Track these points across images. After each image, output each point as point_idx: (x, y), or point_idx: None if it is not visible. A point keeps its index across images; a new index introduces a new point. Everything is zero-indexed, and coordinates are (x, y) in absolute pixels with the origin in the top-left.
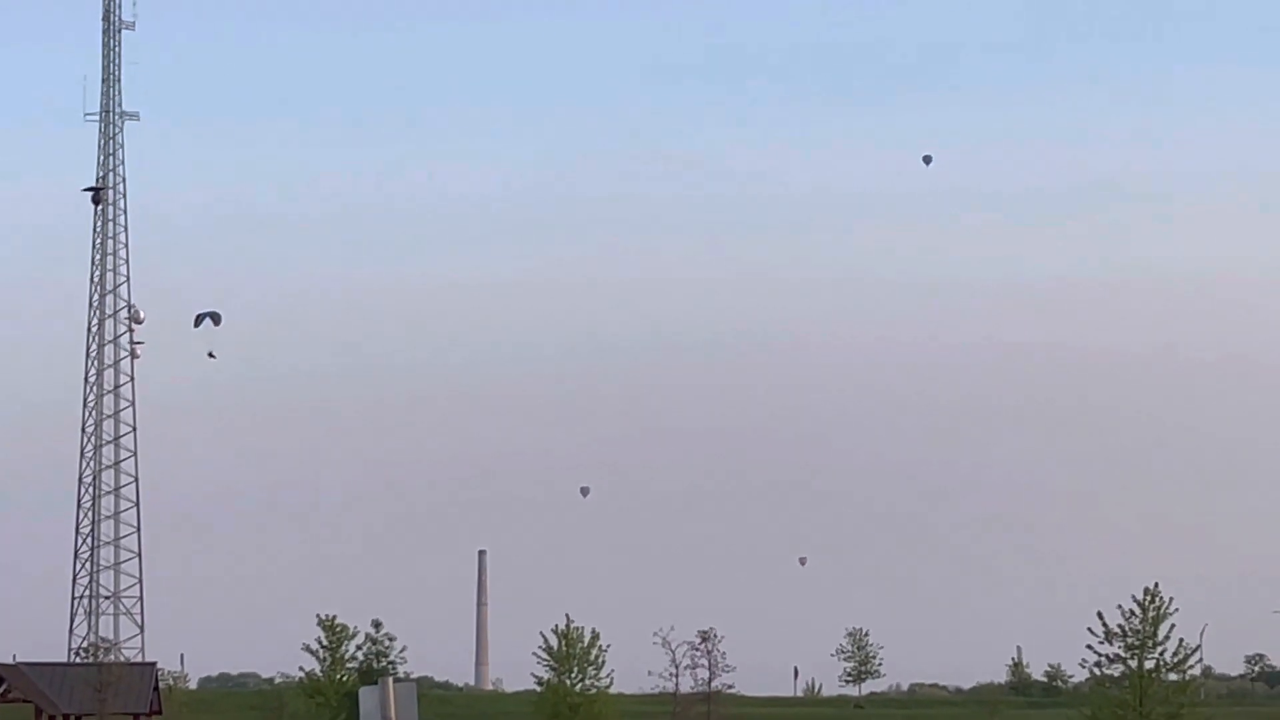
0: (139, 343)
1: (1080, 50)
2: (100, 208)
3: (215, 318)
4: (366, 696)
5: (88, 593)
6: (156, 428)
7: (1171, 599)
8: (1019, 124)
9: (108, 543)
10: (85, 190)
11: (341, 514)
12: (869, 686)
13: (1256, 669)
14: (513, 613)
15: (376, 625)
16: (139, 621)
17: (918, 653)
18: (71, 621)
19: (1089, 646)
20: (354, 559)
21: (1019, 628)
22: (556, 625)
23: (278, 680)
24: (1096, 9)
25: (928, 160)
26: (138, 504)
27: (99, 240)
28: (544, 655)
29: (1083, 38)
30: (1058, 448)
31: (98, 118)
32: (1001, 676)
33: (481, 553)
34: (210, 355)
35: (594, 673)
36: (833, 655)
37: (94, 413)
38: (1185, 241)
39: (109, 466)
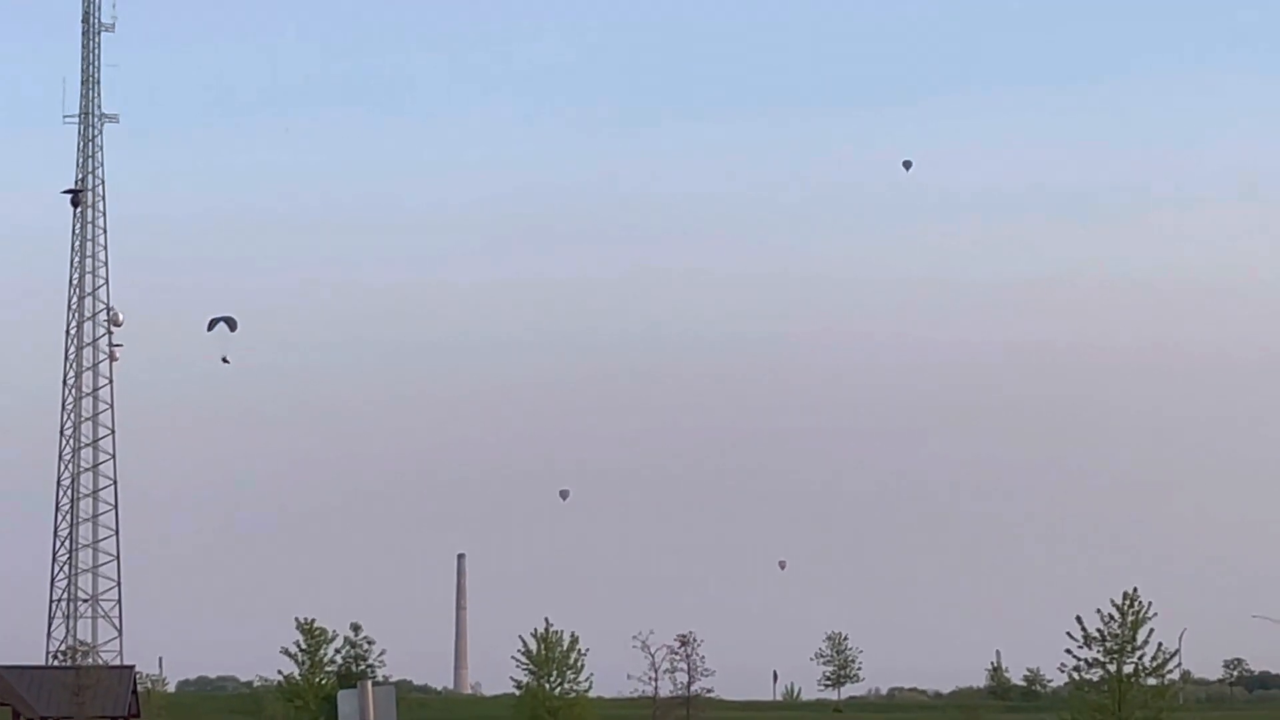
0: (118, 345)
1: (1080, 51)
2: (79, 210)
3: (230, 323)
4: (345, 700)
5: (66, 596)
6: (135, 431)
7: (1150, 603)
8: (1018, 124)
9: (86, 546)
10: (64, 192)
11: (321, 517)
12: (848, 690)
13: (1235, 673)
14: (492, 616)
15: (355, 628)
16: (117, 624)
17: (897, 657)
18: (49, 624)
19: (1068, 651)
20: (333, 562)
21: (998, 632)
22: (536, 629)
23: (256, 684)
24: (1098, 10)
25: (908, 165)
26: (116, 507)
27: (78, 243)
28: (523, 659)
29: (1083, 39)
30: (1037, 451)
31: (77, 120)
32: (981, 680)
33: (461, 556)
34: (224, 360)
35: (573, 676)
36: (812, 659)
37: (72, 416)
38: (1160, 244)
39: (87, 469)
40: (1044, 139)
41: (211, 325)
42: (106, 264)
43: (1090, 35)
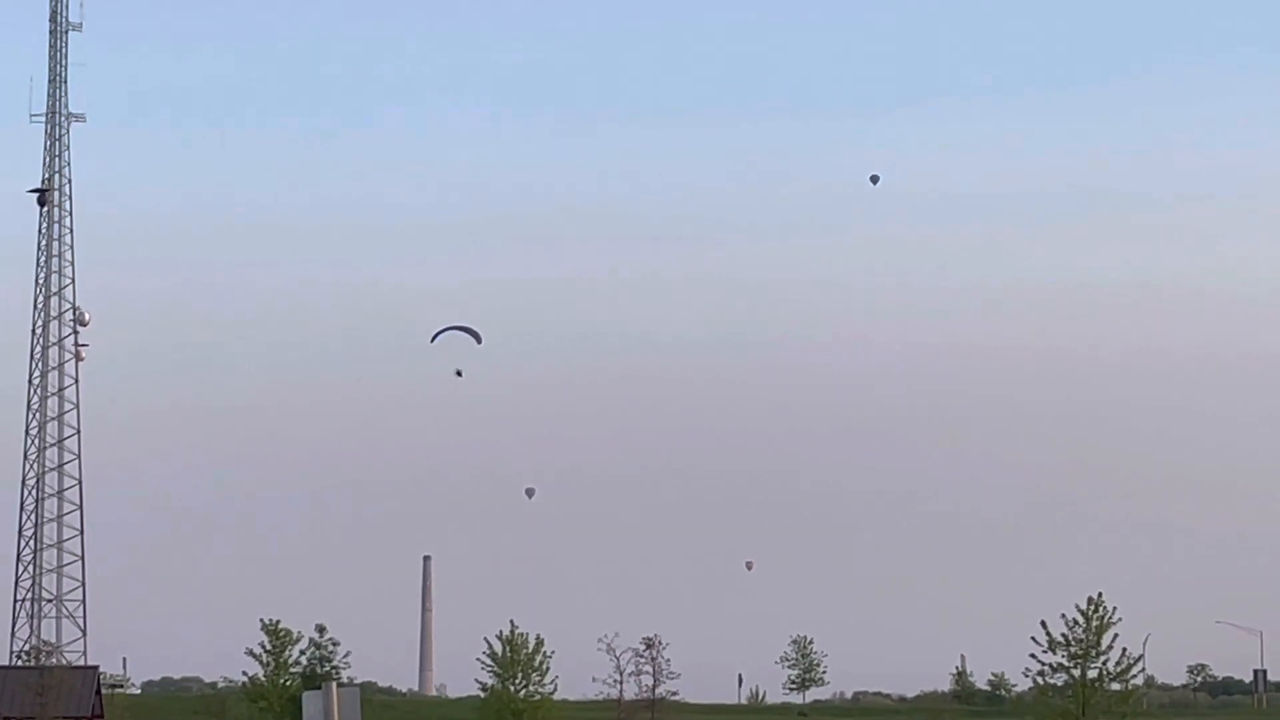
0: (83, 345)
1: (1077, 52)
2: (46, 209)
3: (475, 335)
4: (310, 701)
5: (30, 596)
6: (100, 431)
7: (1115, 608)
8: (1015, 126)
9: (50, 546)
10: (31, 192)
11: (286, 518)
12: (813, 694)
13: (1199, 679)
14: (457, 618)
15: (320, 630)
16: (81, 625)
17: (862, 660)
18: (13, 625)
19: (1032, 655)
20: (298, 563)
21: (963, 636)
22: (501, 631)
23: (221, 685)
24: (1095, 10)
25: (875, 180)
26: (81, 507)
27: (44, 242)
28: (488, 661)
29: (1080, 40)
30: (1002, 455)
31: (44, 119)
32: (945, 685)
33: (426, 558)
34: (458, 374)
35: (538, 679)
36: (777, 662)
37: (37, 415)
38: (1134, 249)
39: (52, 469)
40: (1045, 140)
41: (434, 337)
42: (73, 263)
43: (1080, 37)
